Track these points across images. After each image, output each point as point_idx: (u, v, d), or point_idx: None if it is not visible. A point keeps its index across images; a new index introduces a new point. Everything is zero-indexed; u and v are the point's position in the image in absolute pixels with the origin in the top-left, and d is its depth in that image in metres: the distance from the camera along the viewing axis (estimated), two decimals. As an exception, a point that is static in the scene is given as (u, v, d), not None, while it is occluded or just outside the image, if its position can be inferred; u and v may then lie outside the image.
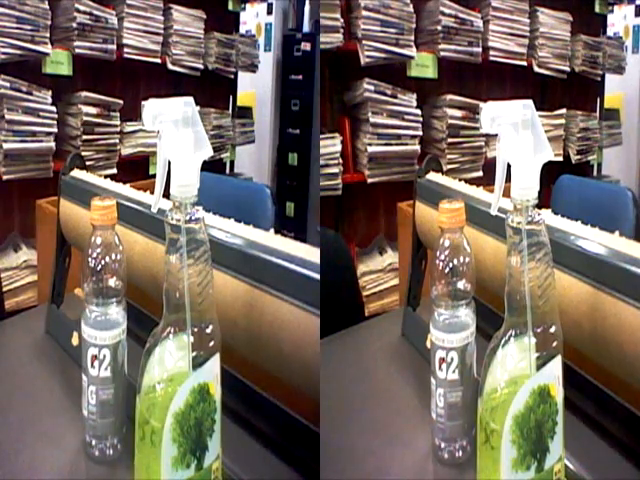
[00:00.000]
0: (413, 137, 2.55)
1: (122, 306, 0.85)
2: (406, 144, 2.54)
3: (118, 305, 0.84)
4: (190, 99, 0.70)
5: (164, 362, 0.70)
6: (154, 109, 0.68)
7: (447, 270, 0.84)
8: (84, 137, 2.60)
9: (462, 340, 0.83)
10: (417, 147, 2.57)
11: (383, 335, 1.23)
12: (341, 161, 2.45)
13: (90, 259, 0.83)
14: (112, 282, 0.83)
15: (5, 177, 2.44)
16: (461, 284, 0.84)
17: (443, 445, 0.86)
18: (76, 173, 1.19)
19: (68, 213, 1.15)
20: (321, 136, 2.45)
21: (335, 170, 2.44)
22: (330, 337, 1.17)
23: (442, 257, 0.84)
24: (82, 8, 2.57)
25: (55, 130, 2.52)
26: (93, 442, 0.85)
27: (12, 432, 0.92)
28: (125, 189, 1.08)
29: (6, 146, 2.40)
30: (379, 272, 2.60)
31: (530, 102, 0.70)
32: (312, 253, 0.77)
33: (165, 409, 0.67)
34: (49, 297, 1.19)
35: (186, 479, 0.69)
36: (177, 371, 0.69)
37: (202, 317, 0.71)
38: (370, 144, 2.48)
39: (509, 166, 0.71)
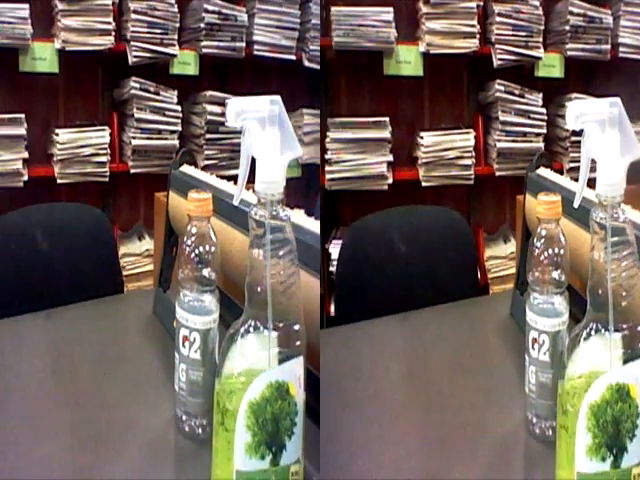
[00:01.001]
0: (537, 135, 2.66)
1: (215, 296, 0.87)
2: (530, 141, 2.65)
3: (211, 294, 0.87)
4: (277, 97, 0.71)
5: (245, 352, 0.70)
6: (237, 106, 0.69)
7: (542, 258, 0.87)
8: (207, 136, 2.61)
9: (553, 326, 0.87)
10: (541, 144, 2.66)
11: (495, 312, 1.36)
12: (474, 154, 2.62)
13: (185, 247, 0.87)
14: (206, 272, 0.86)
15: (132, 170, 2.55)
16: (556, 274, 0.87)
17: (535, 420, 0.90)
18: (185, 168, 1.24)
19: (175, 205, 1.20)
20: (457, 131, 2.63)
21: (468, 162, 2.61)
22: (448, 304, 1.37)
23: (538, 245, 0.88)
24: (211, 8, 2.56)
25: (179, 129, 2.57)
26: (184, 417, 0.89)
27: (112, 393, 1.00)
28: (230, 186, 1.11)
29: (134, 142, 2.52)
30: (502, 259, 2.71)
31: (618, 100, 0.68)
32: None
33: (241, 396, 0.68)
34: (156, 281, 1.26)
35: (260, 470, 0.68)
36: (256, 363, 0.69)
37: (286, 316, 0.70)
38: (499, 140, 2.62)
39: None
